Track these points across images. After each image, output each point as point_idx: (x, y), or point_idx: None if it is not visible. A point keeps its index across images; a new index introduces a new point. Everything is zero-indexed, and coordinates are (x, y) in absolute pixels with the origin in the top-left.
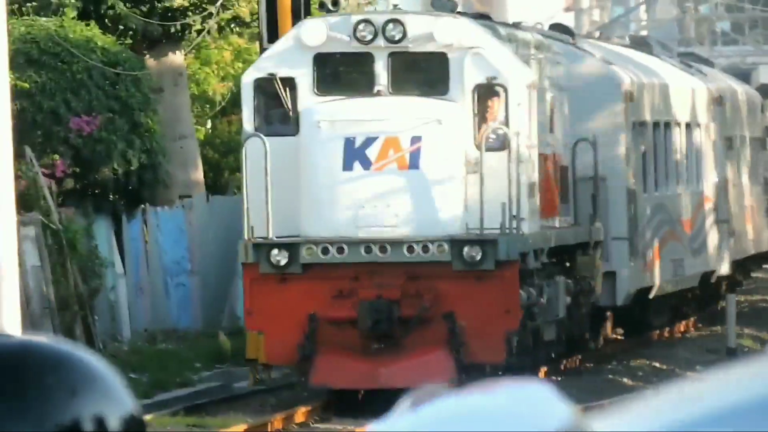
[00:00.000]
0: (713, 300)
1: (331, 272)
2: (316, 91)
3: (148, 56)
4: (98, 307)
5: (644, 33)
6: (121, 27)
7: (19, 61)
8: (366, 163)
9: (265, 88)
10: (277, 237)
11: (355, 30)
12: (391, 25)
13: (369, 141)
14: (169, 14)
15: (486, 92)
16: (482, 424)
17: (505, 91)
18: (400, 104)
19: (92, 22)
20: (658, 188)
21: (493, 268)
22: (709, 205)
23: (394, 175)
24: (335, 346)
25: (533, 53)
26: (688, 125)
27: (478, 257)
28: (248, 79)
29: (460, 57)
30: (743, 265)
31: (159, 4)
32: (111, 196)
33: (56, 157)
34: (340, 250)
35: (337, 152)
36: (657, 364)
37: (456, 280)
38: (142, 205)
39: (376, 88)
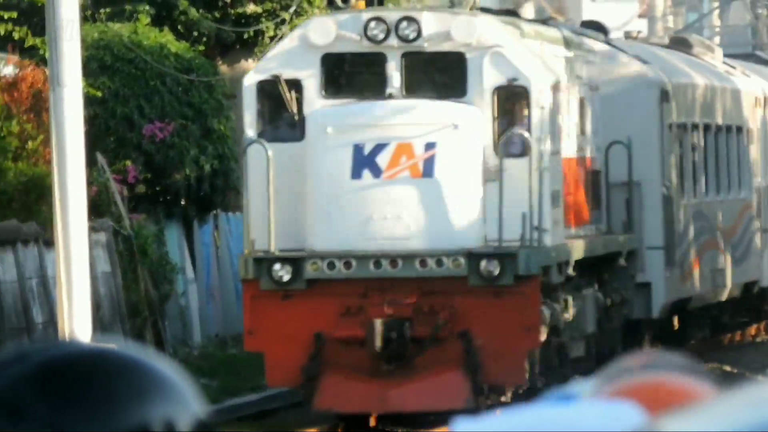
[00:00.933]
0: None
1: (339, 288)
2: (323, 93)
3: (221, 62)
4: (169, 312)
5: (717, 39)
6: (195, 33)
7: (93, 67)
8: (376, 171)
9: (269, 90)
10: (281, 250)
11: (366, 28)
12: (404, 23)
13: (379, 147)
14: (243, 20)
15: (506, 94)
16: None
17: (527, 93)
18: (413, 108)
19: (165, 29)
20: (697, 194)
21: (513, 283)
22: (751, 212)
23: (406, 184)
24: (342, 367)
25: (561, 51)
26: (728, 128)
27: (496, 272)
28: (250, 81)
29: (478, 57)
30: None
31: (232, 11)
32: (182, 202)
33: (128, 162)
34: (348, 265)
35: (346, 159)
36: (728, 368)
37: (473, 296)
38: (214, 211)
39: (388, 91)
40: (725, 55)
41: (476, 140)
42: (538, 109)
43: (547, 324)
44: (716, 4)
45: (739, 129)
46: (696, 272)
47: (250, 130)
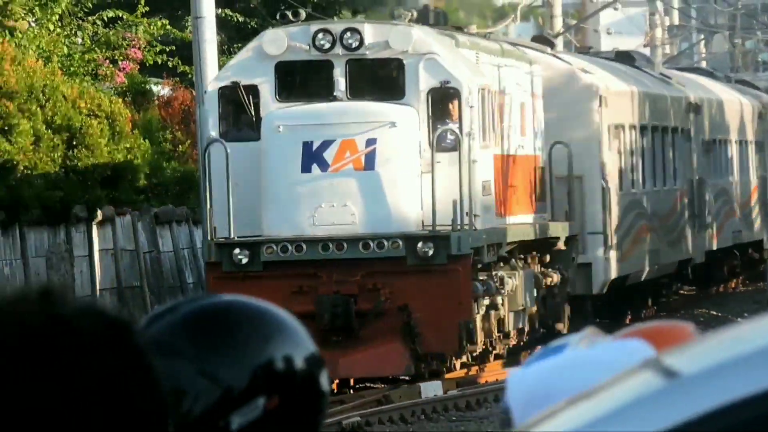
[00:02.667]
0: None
1: (291, 270)
2: (277, 97)
3: None
4: None
5: (704, 63)
6: None
7: None
8: (324, 165)
9: (229, 96)
10: (240, 237)
11: (314, 39)
12: (348, 34)
13: (326, 144)
14: None
15: (440, 95)
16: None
17: (458, 94)
18: (356, 108)
19: None
20: (635, 186)
21: (446, 262)
22: (685, 201)
23: (350, 177)
24: None
25: (498, 60)
26: (664, 128)
27: (431, 252)
28: (212, 87)
29: (414, 62)
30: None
31: None
32: None
33: None
34: (299, 248)
35: (296, 155)
36: (714, 312)
37: (410, 275)
38: None
39: (334, 94)
40: (676, 68)
41: (412, 136)
42: (468, 108)
43: (481, 298)
44: (702, 36)
45: (674, 129)
46: (633, 253)
47: (213, 131)
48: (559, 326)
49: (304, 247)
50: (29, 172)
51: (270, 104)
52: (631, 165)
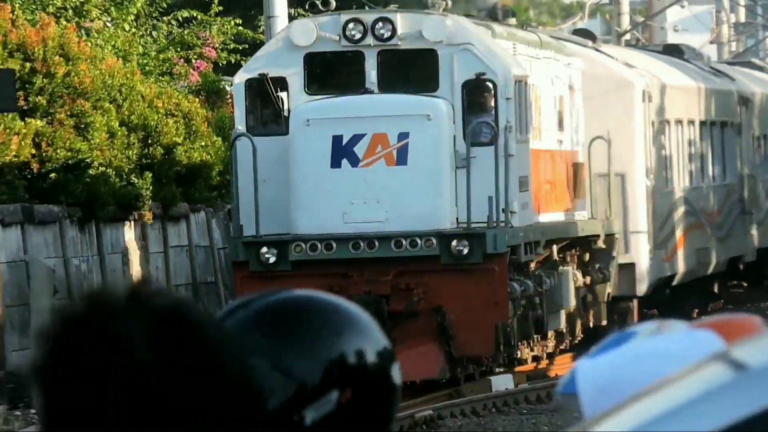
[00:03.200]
0: None
1: (321, 269)
2: (306, 90)
3: None
4: None
5: None
6: None
7: None
8: (354, 160)
9: (257, 88)
10: (268, 235)
11: (344, 29)
12: (380, 24)
13: (357, 138)
14: None
15: (475, 87)
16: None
17: (494, 86)
18: (387, 101)
19: None
20: (681, 183)
21: (481, 261)
22: (736, 197)
23: (381, 172)
24: None
25: (535, 52)
26: (713, 123)
27: (466, 251)
28: (239, 79)
29: (449, 53)
30: None
31: None
32: None
33: None
34: (329, 247)
35: (325, 150)
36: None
37: (445, 274)
38: None
39: (366, 86)
40: (727, 62)
41: (446, 130)
42: (504, 101)
43: (518, 298)
44: None
45: (724, 124)
46: (680, 252)
47: (240, 125)
48: (601, 327)
49: (334, 245)
50: (104, 169)
51: (299, 97)
52: (677, 161)
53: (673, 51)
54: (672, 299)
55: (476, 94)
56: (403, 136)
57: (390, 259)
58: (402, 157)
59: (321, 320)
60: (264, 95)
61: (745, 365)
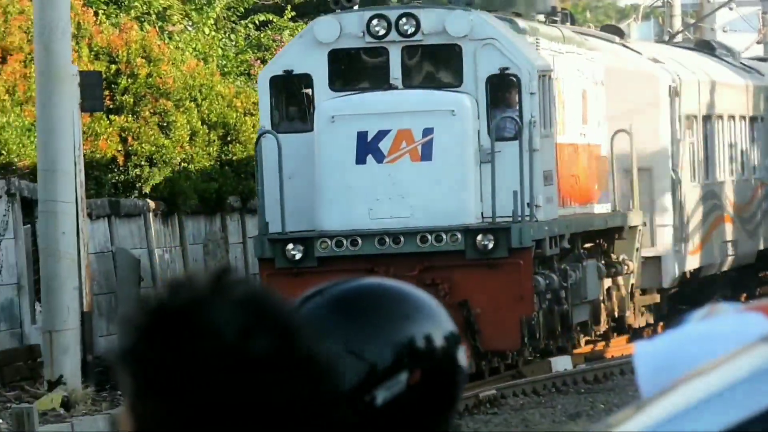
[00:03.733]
0: None
1: (347, 265)
2: (331, 86)
3: None
4: None
5: None
6: None
7: None
8: (379, 156)
9: (282, 85)
10: (294, 231)
11: (368, 25)
12: (404, 20)
13: (381, 134)
14: None
15: (499, 82)
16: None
17: (518, 80)
18: (412, 97)
19: None
20: (710, 176)
21: (507, 256)
22: (765, 190)
23: (407, 168)
24: None
25: (558, 47)
26: (742, 117)
27: (491, 245)
28: (264, 76)
29: (472, 48)
30: None
31: None
32: None
33: None
34: (354, 243)
35: (350, 146)
36: None
37: (470, 269)
38: None
39: (390, 82)
40: (758, 58)
41: (471, 125)
42: (528, 96)
43: (543, 292)
44: None
45: (753, 119)
46: (708, 245)
47: (265, 121)
48: (629, 319)
49: (360, 241)
50: (186, 164)
51: (324, 93)
52: (705, 155)
53: (704, 47)
54: (701, 290)
55: (500, 89)
56: (427, 131)
57: (415, 254)
58: (427, 153)
59: (391, 305)
60: (289, 92)
61: None
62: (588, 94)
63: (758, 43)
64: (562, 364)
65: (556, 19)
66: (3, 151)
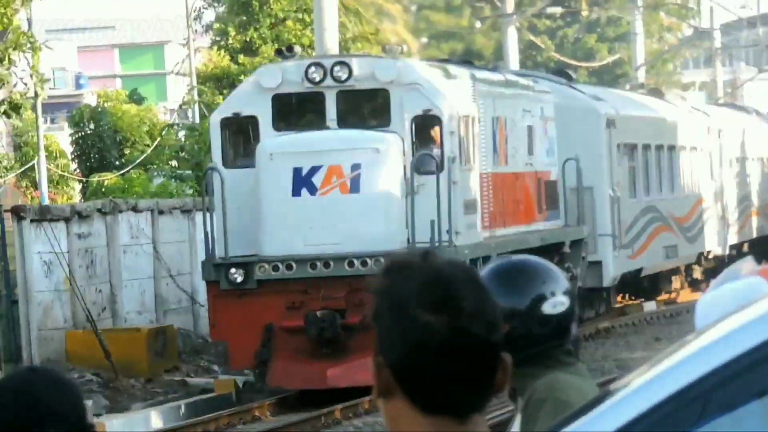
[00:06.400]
0: None
1: (284, 287)
2: (275, 127)
3: None
4: None
5: None
6: None
7: None
8: (312, 189)
9: (231, 125)
10: (239, 256)
11: (306, 72)
12: (338, 67)
13: (315, 169)
14: None
15: (423, 122)
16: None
17: (439, 121)
18: (342, 136)
19: None
20: (650, 193)
21: None
22: (703, 205)
23: (337, 199)
24: (289, 351)
25: (499, 90)
26: (683, 147)
27: None
28: (215, 118)
29: (399, 92)
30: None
31: None
32: None
33: None
34: (289, 267)
35: (287, 180)
36: None
37: None
38: None
39: (326, 124)
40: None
41: (395, 161)
42: (449, 135)
43: None
44: None
45: (693, 149)
46: (647, 250)
47: (216, 158)
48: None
49: (294, 266)
50: None
51: (268, 133)
52: (643, 176)
53: (656, 93)
54: (646, 285)
55: (424, 128)
56: (355, 167)
57: (344, 277)
58: (355, 186)
59: (531, 273)
60: (237, 132)
61: None
62: (535, 128)
63: None
64: (651, 306)
65: (497, 66)
66: None
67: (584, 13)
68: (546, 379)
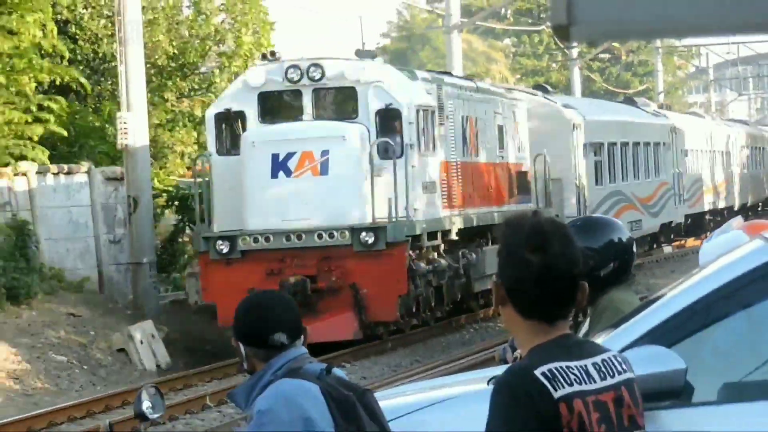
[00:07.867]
0: None
1: (263, 256)
2: (259, 120)
3: None
4: None
5: None
6: None
7: None
8: (288, 172)
9: (223, 119)
10: (225, 231)
11: (286, 73)
12: (312, 68)
13: (290, 155)
14: None
15: (386, 115)
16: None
17: (399, 113)
18: (313, 126)
19: None
20: (615, 180)
21: (385, 248)
22: (667, 187)
23: (309, 181)
24: None
25: (468, 95)
26: (647, 143)
27: (371, 240)
28: (210, 113)
29: (365, 89)
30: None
31: None
32: None
33: None
34: (267, 239)
35: (266, 164)
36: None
37: (358, 259)
38: None
39: (303, 117)
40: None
41: (359, 148)
42: (407, 125)
43: (424, 274)
44: None
45: (657, 144)
46: None
47: (211, 147)
48: None
49: (272, 238)
50: None
51: (254, 126)
52: (609, 167)
53: (630, 102)
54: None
55: (387, 120)
56: (324, 153)
57: (315, 248)
58: (324, 169)
59: (602, 224)
60: (229, 124)
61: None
62: (506, 128)
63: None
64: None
65: (472, 77)
66: None
67: (623, 57)
68: (608, 295)
